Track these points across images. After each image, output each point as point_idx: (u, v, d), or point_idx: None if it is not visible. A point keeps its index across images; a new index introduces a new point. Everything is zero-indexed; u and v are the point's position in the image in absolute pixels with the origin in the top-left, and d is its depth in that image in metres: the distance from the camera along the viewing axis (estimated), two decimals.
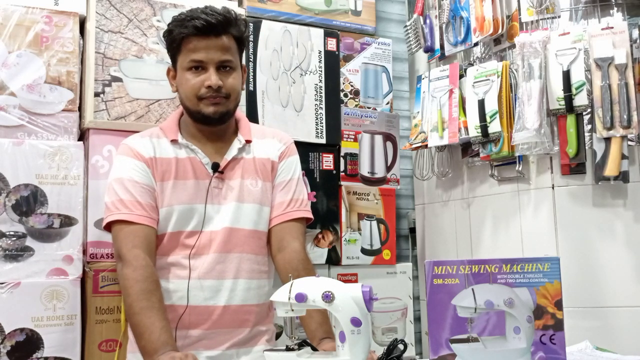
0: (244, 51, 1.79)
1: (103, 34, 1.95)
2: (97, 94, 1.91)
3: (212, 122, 1.66)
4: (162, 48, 1.99)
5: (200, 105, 1.63)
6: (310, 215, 1.76)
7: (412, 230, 2.63)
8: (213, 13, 1.62)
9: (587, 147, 1.97)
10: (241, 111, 1.86)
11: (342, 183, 2.36)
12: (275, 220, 1.70)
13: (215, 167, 1.65)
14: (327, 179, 2.33)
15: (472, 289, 1.17)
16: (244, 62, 1.80)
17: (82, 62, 1.94)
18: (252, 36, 2.22)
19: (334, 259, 2.31)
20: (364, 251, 2.37)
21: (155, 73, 1.99)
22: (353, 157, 2.39)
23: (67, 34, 1.89)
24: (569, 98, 1.94)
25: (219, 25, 1.61)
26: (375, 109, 2.47)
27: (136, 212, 1.58)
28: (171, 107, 2.00)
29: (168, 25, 1.67)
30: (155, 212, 1.61)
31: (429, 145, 2.32)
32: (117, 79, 1.95)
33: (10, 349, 1.70)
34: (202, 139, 1.69)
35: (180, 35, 1.62)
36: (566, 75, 1.95)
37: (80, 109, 1.92)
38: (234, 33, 1.65)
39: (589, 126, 1.97)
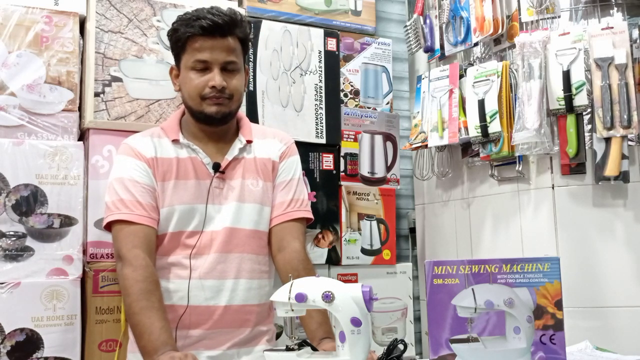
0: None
1: (103, 34, 1.95)
2: (97, 94, 1.91)
3: (214, 122, 1.66)
4: (162, 48, 2.00)
5: (203, 105, 1.63)
6: (311, 216, 1.76)
7: (412, 230, 2.63)
8: (219, 13, 1.61)
9: (587, 147, 1.97)
10: (241, 111, 1.86)
11: (342, 183, 2.36)
12: (276, 220, 1.70)
13: (216, 167, 1.65)
14: (327, 179, 2.32)
15: (472, 289, 1.17)
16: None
17: (82, 62, 1.94)
18: (252, 36, 2.22)
19: (334, 259, 2.31)
20: (364, 251, 2.37)
21: (155, 73, 1.99)
22: (353, 157, 2.39)
23: (67, 34, 1.89)
24: (569, 98, 1.94)
25: (225, 25, 1.61)
26: (375, 109, 2.47)
27: (136, 212, 1.58)
28: (171, 107, 2.00)
29: (173, 24, 1.67)
30: (155, 212, 1.61)
31: (429, 145, 2.32)
32: (117, 79, 1.95)
33: (10, 349, 1.70)
34: (204, 138, 1.69)
35: (186, 34, 1.61)
36: (566, 75, 1.95)
37: (80, 109, 1.92)
38: (239, 34, 1.65)
39: (589, 126, 1.97)
